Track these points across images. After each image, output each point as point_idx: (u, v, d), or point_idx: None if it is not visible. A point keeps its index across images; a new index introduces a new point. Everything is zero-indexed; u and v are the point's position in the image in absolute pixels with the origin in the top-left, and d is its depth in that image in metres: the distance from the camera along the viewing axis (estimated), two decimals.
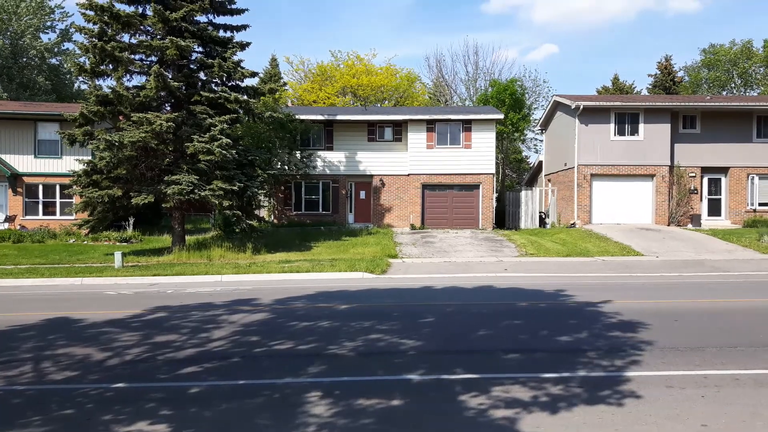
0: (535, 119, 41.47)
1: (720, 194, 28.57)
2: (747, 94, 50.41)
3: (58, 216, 27.95)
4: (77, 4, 20.57)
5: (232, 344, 8.67)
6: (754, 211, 27.96)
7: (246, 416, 5.84)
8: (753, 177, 27.96)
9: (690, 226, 27.25)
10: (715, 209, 28.59)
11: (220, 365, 7.61)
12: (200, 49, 22.22)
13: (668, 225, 27.51)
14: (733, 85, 51.88)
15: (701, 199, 28.39)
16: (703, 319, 10.06)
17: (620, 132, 27.81)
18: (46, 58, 45.50)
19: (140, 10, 21.60)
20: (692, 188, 27.99)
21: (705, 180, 28.46)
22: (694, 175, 28.06)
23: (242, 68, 21.88)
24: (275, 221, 29.52)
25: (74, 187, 21.28)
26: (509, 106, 37.22)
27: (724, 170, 28.33)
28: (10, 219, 27.62)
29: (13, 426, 5.65)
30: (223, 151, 19.78)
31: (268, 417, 5.79)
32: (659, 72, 54.66)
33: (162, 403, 6.25)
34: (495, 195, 29.99)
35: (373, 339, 8.83)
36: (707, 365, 7.28)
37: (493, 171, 29.79)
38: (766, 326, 9.46)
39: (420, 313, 10.86)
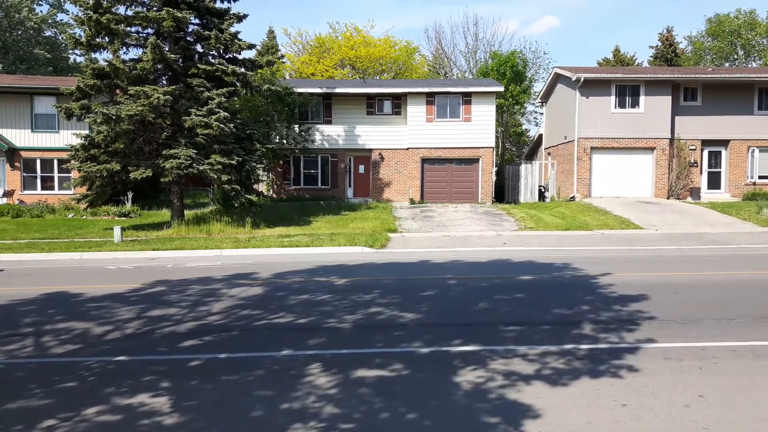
0: (536, 92, 41.16)
1: (720, 167, 28.47)
2: (749, 65, 49.99)
3: (56, 191, 27.87)
4: None
5: (232, 318, 8.71)
6: (754, 184, 27.90)
7: (247, 388, 5.88)
8: (753, 150, 27.85)
9: (689, 199, 27.23)
10: (714, 182, 28.52)
11: (220, 338, 7.65)
12: (197, 20, 21.91)
13: (668, 198, 27.48)
14: (735, 56, 51.41)
15: (701, 172, 28.30)
16: (702, 292, 10.10)
17: (621, 104, 27.60)
18: (41, 30, 44.97)
19: None
20: (692, 161, 27.89)
21: (705, 153, 28.34)
22: (694, 148, 27.93)
23: (239, 40, 21.61)
24: (274, 196, 29.47)
25: (72, 161, 21.19)
26: (510, 78, 36.91)
27: (724, 143, 28.19)
28: (8, 194, 27.56)
29: (17, 398, 5.69)
30: (221, 125, 19.63)
31: (268, 389, 5.84)
32: (660, 44, 54.01)
33: (163, 375, 6.29)
34: (494, 169, 29.91)
35: (373, 312, 8.87)
36: (705, 337, 7.32)
37: (493, 144, 29.66)
38: (763, 299, 9.50)
39: (419, 286, 10.89)
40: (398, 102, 29.49)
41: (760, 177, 27.96)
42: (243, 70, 21.88)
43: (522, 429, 4.90)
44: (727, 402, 5.39)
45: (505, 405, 5.35)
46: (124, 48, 21.30)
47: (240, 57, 22.66)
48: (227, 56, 22.29)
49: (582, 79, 27.22)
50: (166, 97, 19.52)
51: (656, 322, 7.97)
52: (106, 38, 20.67)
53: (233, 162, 20.21)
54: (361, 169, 29.88)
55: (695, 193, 27.45)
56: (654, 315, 8.35)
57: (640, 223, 20.92)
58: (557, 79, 31.51)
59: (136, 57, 21.71)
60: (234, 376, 6.24)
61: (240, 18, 22.11)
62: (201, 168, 19.91)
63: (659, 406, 5.29)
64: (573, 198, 27.70)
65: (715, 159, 28.46)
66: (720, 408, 5.26)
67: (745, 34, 49.41)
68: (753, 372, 6.12)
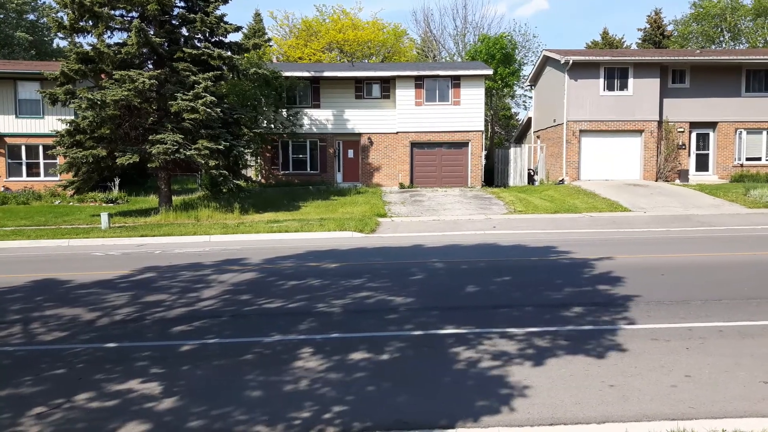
0: (525, 75, 41.03)
1: (708, 149, 28.64)
2: (736, 47, 50.09)
3: (42, 177, 27.58)
4: None
5: (222, 303, 8.69)
6: (741, 165, 28.10)
7: (238, 373, 5.88)
8: (741, 132, 28.01)
9: (678, 181, 27.39)
10: (702, 164, 28.70)
11: (211, 324, 7.63)
12: (182, 3, 21.62)
13: (656, 180, 27.64)
14: (721, 38, 51.50)
15: (689, 155, 28.45)
16: (689, 273, 10.19)
17: (609, 87, 27.62)
18: (23, 13, 44.19)
19: None
20: (680, 143, 28.02)
21: (693, 135, 28.47)
22: (682, 130, 28.05)
23: (225, 23, 21.36)
24: (262, 181, 29.32)
25: (57, 147, 20.93)
26: (499, 60, 36.76)
27: (712, 125, 28.33)
28: None
29: (5, 386, 5.66)
30: (208, 110, 19.46)
31: (259, 373, 5.84)
32: (649, 26, 54.08)
33: (153, 361, 6.27)
34: (484, 152, 29.90)
35: (363, 296, 8.88)
36: (692, 318, 7.40)
37: (482, 128, 29.61)
38: (750, 279, 9.60)
39: (409, 270, 10.91)
40: (387, 86, 29.32)
41: (748, 159, 28.16)
42: (229, 53, 21.66)
43: (512, 410, 4.94)
44: (713, 382, 5.46)
45: (496, 386, 5.39)
46: (109, 32, 21.00)
47: (226, 40, 22.44)
48: (213, 40, 22.04)
49: (571, 61, 27.19)
50: (152, 81, 19.30)
51: (644, 304, 8.04)
52: (90, 22, 20.36)
53: (220, 147, 20.07)
54: (350, 153, 29.77)
55: (683, 175, 27.61)
56: (641, 296, 8.42)
57: (629, 205, 21.04)
58: (546, 62, 31.45)
59: (120, 41, 21.43)
60: (225, 360, 6.24)
61: (225, 0, 21.84)
62: (188, 153, 19.75)
63: (647, 387, 5.35)
64: (562, 181, 27.78)
65: (703, 141, 28.61)
66: (706, 388, 5.33)
67: (729, 17, 49.43)
68: (739, 352, 6.19)
